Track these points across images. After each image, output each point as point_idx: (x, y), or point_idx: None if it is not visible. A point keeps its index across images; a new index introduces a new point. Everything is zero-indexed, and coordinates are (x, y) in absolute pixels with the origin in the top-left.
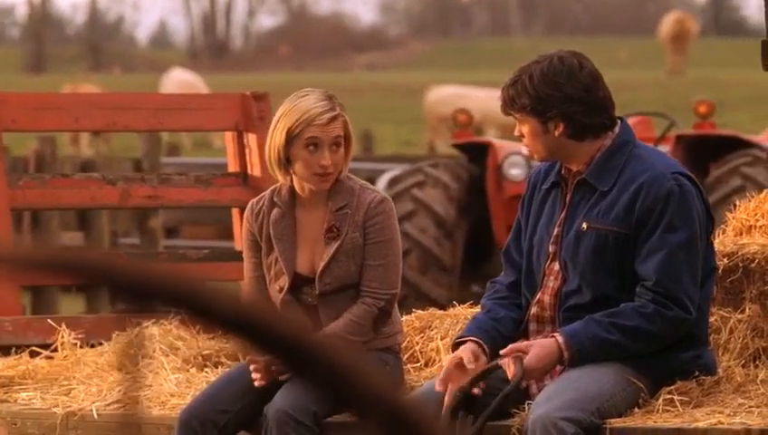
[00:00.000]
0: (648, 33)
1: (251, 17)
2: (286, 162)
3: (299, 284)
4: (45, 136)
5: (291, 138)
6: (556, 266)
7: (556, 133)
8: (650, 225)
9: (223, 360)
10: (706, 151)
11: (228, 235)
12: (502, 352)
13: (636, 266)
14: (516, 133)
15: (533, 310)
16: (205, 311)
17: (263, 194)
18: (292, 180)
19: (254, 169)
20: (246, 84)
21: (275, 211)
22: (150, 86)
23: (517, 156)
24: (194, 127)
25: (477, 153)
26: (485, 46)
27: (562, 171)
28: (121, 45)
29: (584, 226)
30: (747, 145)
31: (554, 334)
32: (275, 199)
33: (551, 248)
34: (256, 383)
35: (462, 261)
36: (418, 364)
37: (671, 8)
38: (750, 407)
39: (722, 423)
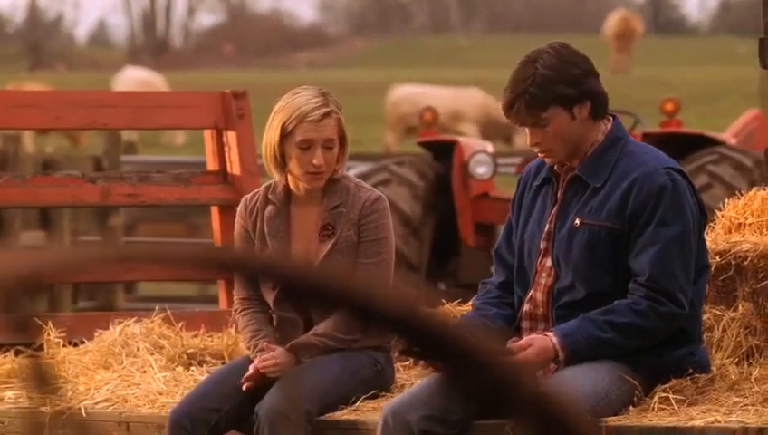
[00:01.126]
0: (589, 31)
1: (191, 16)
2: (282, 160)
3: None
4: (9, 134)
5: (285, 134)
6: (548, 263)
7: (582, 115)
8: (643, 220)
9: (207, 358)
10: (672, 149)
11: (186, 233)
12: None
13: (629, 262)
14: (530, 143)
15: (526, 307)
16: (371, 311)
17: (257, 190)
18: (287, 178)
19: (234, 168)
20: (188, 82)
21: (270, 208)
22: (96, 84)
23: (483, 154)
24: (173, 125)
25: (443, 151)
26: (426, 44)
27: (555, 167)
28: (61, 44)
29: (577, 222)
30: (713, 143)
31: (548, 334)
32: (270, 196)
33: (542, 245)
34: (244, 387)
35: (428, 259)
36: (407, 362)
37: (612, 6)
38: (745, 405)
39: (718, 422)
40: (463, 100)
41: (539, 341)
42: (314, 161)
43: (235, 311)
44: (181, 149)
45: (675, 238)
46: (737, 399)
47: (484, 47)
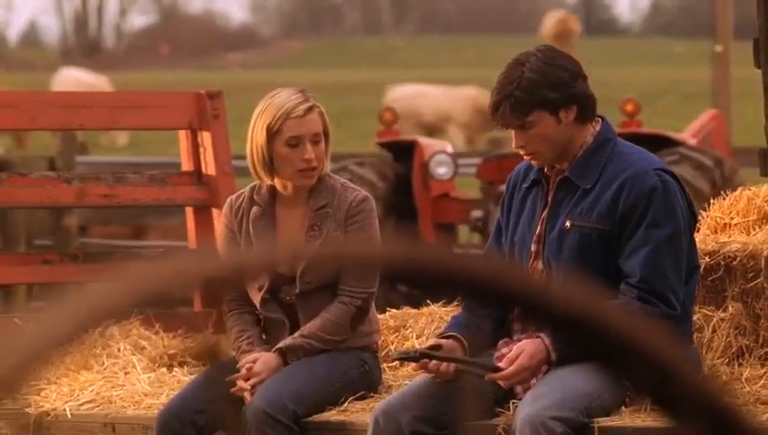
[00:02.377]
0: (521, 31)
1: (123, 16)
2: (270, 162)
3: (278, 282)
4: None
5: (271, 135)
6: (539, 265)
7: (569, 119)
8: (634, 221)
9: (188, 359)
10: None
11: (135, 235)
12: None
13: (620, 263)
14: (515, 146)
15: (517, 310)
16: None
17: (242, 191)
18: (273, 180)
19: (209, 168)
20: (123, 83)
21: (255, 209)
22: (33, 85)
23: (443, 154)
24: (149, 125)
25: (403, 152)
26: (358, 45)
27: (545, 169)
28: None
29: (567, 224)
30: (673, 143)
31: (540, 335)
32: (255, 197)
33: (533, 247)
34: (232, 390)
35: None
36: (394, 363)
37: (543, 7)
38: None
39: None
40: (457, 99)
41: (530, 345)
42: (305, 156)
43: (223, 312)
44: (122, 150)
45: (666, 239)
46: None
47: (417, 48)
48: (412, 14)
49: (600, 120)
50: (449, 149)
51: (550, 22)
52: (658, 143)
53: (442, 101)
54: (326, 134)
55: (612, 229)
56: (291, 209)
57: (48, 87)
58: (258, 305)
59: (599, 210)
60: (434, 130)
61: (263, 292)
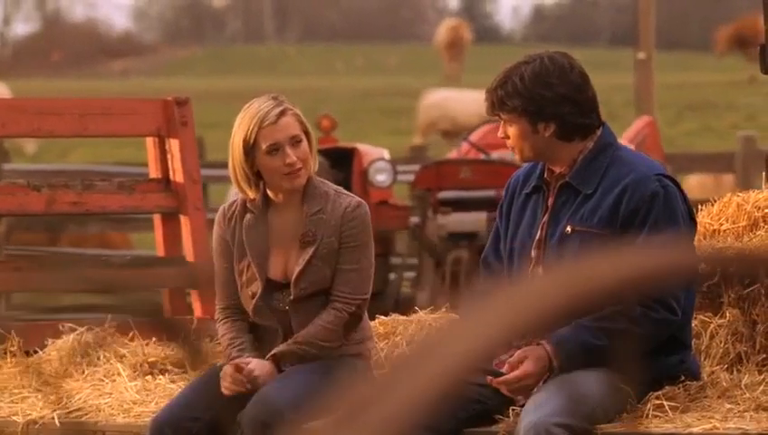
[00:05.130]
0: (404, 38)
1: (7, 24)
2: (254, 176)
3: (271, 289)
4: None
5: (248, 148)
6: (540, 271)
7: (546, 134)
8: (635, 226)
9: (169, 367)
10: None
11: (52, 242)
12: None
13: None
14: (500, 135)
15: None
16: None
17: (234, 199)
18: (264, 189)
19: (177, 175)
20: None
21: (248, 217)
22: None
23: (382, 162)
24: (117, 132)
25: (342, 159)
26: (241, 52)
27: (545, 175)
28: None
29: (568, 229)
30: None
31: (542, 342)
32: (248, 205)
33: (533, 253)
34: (224, 391)
35: None
36: (385, 370)
37: (425, 14)
38: (739, 412)
39: (717, 429)
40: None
41: (534, 351)
42: (287, 161)
43: (216, 320)
44: (31, 158)
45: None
46: (730, 405)
47: (300, 55)
48: (295, 23)
49: (602, 125)
50: (387, 155)
51: (442, 30)
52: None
53: (474, 106)
54: (306, 133)
55: (613, 234)
56: (284, 216)
57: None
58: (251, 313)
59: (600, 215)
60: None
61: (255, 299)
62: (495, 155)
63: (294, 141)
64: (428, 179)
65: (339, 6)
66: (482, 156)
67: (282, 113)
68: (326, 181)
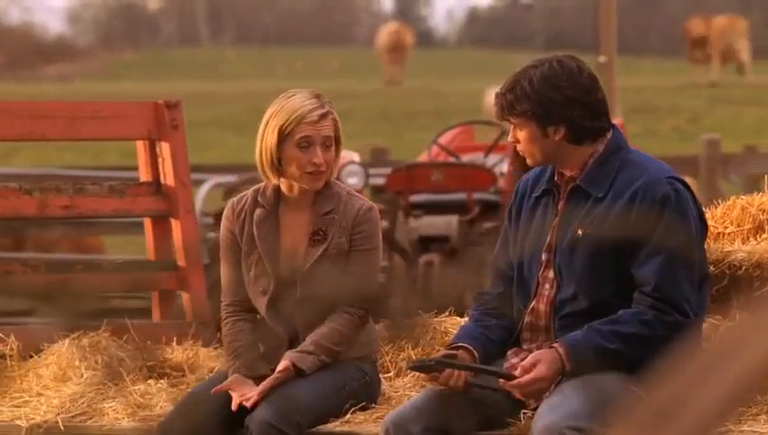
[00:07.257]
0: (338, 42)
1: None
2: (278, 163)
3: (279, 286)
4: None
5: (282, 137)
6: (551, 274)
7: (556, 138)
8: (647, 229)
9: (168, 371)
10: None
11: (15, 247)
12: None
13: (633, 272)
14: (510, 139)
15: (527, 319)
16: None
17: (244, 193)
18: (279, 181)
19: (167, 178)
20: None
21: (259, 211)
22: None
23: (354, 165)
24: (108, 136)
25: None
26: (176, 56)
27: (555, 178)
28: None
29: (579, 232)
30: None
31: (554, 345)
32: (259, 199)
33: (544, 256)
34: (234, 407)
35: None
36: (390, 374)
37: (359, 18)
38: (753, 414)
39: (731, 431)
40: None
41: (547, 354)
42: (314, 160)
43: (221, 317)
44: None
45: (679, 248)
46: (743, 409)
47: (239, 59)
48: (229, 26)
49: (612, 128)
50: (357, 158)
51: (384, 34)
52: None
53: None
54: (337, 141)
55: (625, 237)
56: (295, 213)
57: None
58: (263, 310)
59: (611, 218)
60: None
61: (269, 295)
62: (465, 158)
63: (326, 144)
64: (399, 183)
65: (273, 10)
66: (451, 159)
67: (324, 115)
68: (338, 182)
